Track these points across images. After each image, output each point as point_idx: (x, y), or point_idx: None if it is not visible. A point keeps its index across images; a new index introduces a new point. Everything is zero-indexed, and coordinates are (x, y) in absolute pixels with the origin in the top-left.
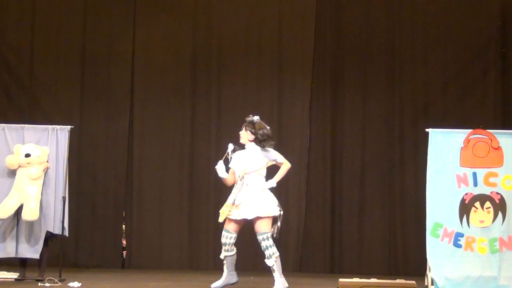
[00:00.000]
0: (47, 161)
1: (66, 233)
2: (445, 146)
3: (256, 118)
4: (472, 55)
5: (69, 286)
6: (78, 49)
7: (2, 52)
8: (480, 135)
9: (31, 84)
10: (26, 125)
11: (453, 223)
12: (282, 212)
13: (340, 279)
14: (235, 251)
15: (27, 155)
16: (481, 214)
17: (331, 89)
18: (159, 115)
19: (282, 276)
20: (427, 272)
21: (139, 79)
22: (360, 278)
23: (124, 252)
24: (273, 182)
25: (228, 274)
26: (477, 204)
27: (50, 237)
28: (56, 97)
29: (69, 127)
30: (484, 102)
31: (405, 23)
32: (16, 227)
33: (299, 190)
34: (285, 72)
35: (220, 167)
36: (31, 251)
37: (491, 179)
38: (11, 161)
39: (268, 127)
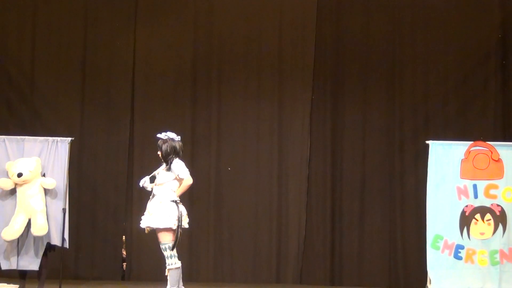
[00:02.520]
0: (42, 172)
1: (67, 245)
2: (445, 158)
3: (162, 135)
4: (473, 67)
5: None
6: (79, 61)
7: (3, 64)
8: (480, 147)
9: (32, 96)
10: (26, 137)
11: (453, 235)
12: (180, 226)
13: None
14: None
15: (19, 175)
16: (481, 226)
17: (331, 101)
18: (160, 127)
19: (174, 287)
20: (428, 284)
21: (139, 90)
22: None
23: (124, 264)
24: (174, 196)
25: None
26: (478, 216)
27: (50, 249)
28: (56, 109)
29: (69, 139)
30: (484, 114)
31: (405, 34)
32: (18, 239)
33: (299, 201)
34: (285, 84)
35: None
36: (31, 263)
37: (492, 191)
38: (4, 184)
39: (176, 140)
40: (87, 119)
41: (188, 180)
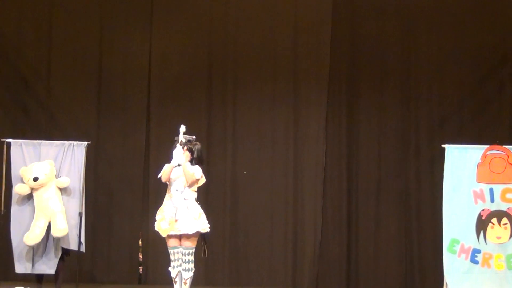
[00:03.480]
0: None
1: (83, 249)
2: (461, 162)
3: (190, 137)
4: (488, 71)
5: None
6: (95, 65)
7: (20, 68)
8: (497, 151)
9: (48, 100)
10: (43, 141)
11: (470, 239)
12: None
13: None
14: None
15: (36, 179)
16: (498, 230)
17: (346, 105)
18: (175, 131)
19: None
20: None
21: (155, 95)
22: None
23: (141, 268)
24: (195, 194)
25: None
26: (494, 220)
27: (66, 253)
28: (73, 113)
29: (85, 143)
30: (500, 117)
31: (420, 38)
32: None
33: (315, 205)
34: (300, 88)
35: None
36: (47, 267)
37: (508, 195)
38: (21, 189)
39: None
40: (103, 123)
41: (195, 180)
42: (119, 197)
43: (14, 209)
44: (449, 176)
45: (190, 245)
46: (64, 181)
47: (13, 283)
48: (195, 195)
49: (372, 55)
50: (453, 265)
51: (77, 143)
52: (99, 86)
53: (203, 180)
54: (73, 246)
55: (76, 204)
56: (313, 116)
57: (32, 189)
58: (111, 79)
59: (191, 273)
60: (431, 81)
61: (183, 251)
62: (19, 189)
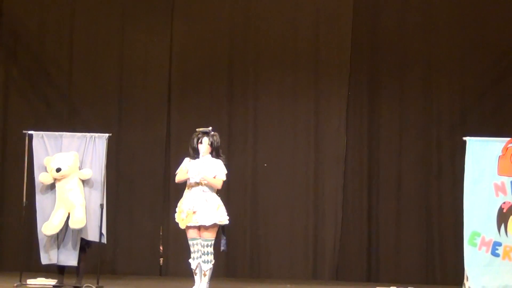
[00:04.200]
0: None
1: (104, 240)
2: (482, 154)
3: (209, 129)
4: (510, 63)
5: None
6: (116, 58)
7: (42, 61)
8: None
9: (70, 92)
10: (64, 133)
11: (490, 232)
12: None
13: None
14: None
15: (58, 170)
16: None
17: (367, 97)
18: (196, 124)
19: (209, 282)
20: (465, 281)
21: (176, 87)
22: (397, 286)
23: (161, 259)
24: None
25: (202, 283)
26: None
27: (87, 244)
28: (94, 105)
29: (107, 135)
30: None
31: (441, 30)
32: (57, 234)
33: (336, 198)
34: (321, 81)
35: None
36: (70, 259)
37: None
38: (44, 178)
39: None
40: (124, 115)
41: (220, 183)
42: (140, 189)
43: (39, 199)
44: (470, 169)
45: (209, 237)
46: (87, 173)
47: (35, 274)
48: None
49: (393, 47)
50: (473, 258)
51: (98, 135)
52: (120, 78)
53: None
54: (95, 237)
55: (97, 196)
56: (334, 108)
57: (55, 179)
58: (132, 71)
59: (210, 265)
60: (453, 73)
61: (202, 242)
62: (42, 178)
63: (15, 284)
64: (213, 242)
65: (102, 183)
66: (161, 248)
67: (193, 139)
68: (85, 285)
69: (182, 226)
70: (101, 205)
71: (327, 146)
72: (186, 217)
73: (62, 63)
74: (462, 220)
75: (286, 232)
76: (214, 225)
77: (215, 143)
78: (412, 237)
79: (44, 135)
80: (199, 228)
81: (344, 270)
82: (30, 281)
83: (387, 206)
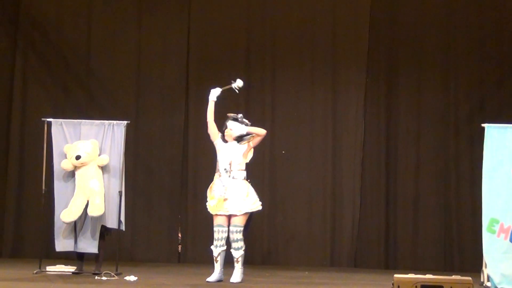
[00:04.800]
0: (100, 154)
1: (123, 227)
2: (501, 141)
3: (238, 116)
4: None
5: (125, 279)
6: (134, 45)
7: (60, 49)
8: None
9: (88, 80)
10: (83, 120)
11: (509, 219)
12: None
13: (395, 275)
14: (226, 247)
15: (78, 157)
16: None
17: (385, 84)
18: (214, 111)
19: (243, 268)
20: (483, 268)
21: (194, 74)
22: (415, 274)
23: (180, 246)
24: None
25: (220, 271)
26: None
27: (106, 232)
28: (112, 92)
29: (125, 122)
30: None
31: (460, 17)
32: (76, 222)
33: (354, 185)
34: (339, 67)
35: (215, 92)
36: (90, 246)
37: None
38: (66, 165)
39: (246, 122)
40: (142, 102)
41: (250, 155)
42: (158, 176)
43: (57, 186)
44: (488, 156)
45: (239, 224)
46: (104, 159)
47: (54, 261)
48: (243, 174)
49: (411, 34)
50: (492, 245)
51: (116, 123)
52: (138, 66)
53: (251, 155)
54: (113, 224)
55: (116, 183)
56: (352, 96)
57: (75, 167)
58: (150, 59)
59: (241, 251)
60: (471, 60)
61: (232, 229)
62: (64, 165)
63: (35, 271)
64: (242, 228)
65: (121, 171)
66: (179, 235)
67: (224, 123)
68: (104, 272)
69: (212, 212)
70: (120, 193)
71: (345, 134)
72: (217, 203)
73: (80, 51)
74: (480, 207)
75: (304, 220)
76: (245, 213)
77: (237, 124)
78: (430, 224)
79: (62, 123)
80: (228, 216)
81: (362, 258)
82: (49, 268)
83: (405, 193)
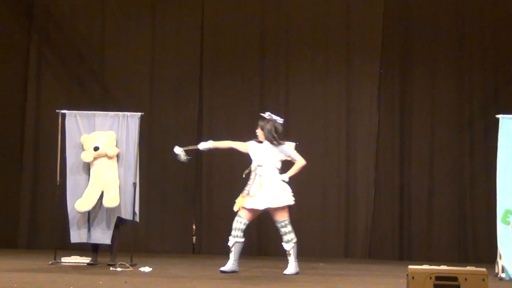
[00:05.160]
0: (117, 146)
1: (137, 219)
2: None
3: (266, 114)
4: None
5: (140, 271)
6: (148, 37)
7: (74, 41)
8: None
9: (102, 72)
10: (97, 112)
11: None
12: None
13: (410, 266)
14: (243, 239)
15: (96, 149)
16: None
17: (399, 75)
18: (228, 102)
19: (297, 261)
20: (498, 259)
21: (207, 65)
22: (430, 265)
23: (194, 238)
24: (285, 177)
25: (232, 262)
26: None
27: (121, 223)
28: (126, 84)
29: (139, 114)
30: None
31: (474, 7)
32: (90, 213)
33: (368, 176)
34: (353, 59)
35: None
36: (103, 237)
37: None
38: (85, 156)
39: (278, 122)
40: (156, 94)
41: (302, 162)
42: (172, 168)
43: (70, 177)
44: (503, 147)
45: (280, 218)
46: (111, 152)
47: (69, 252)
48: (274, 170)
49: (425, 26)
50: (507, 236)
51: (131, 114)
52: (152, 57)
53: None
54: (128, 216)
55: (130, 175)
56: (366, 86)
57: (93, 158)
58: (164, 50)
59: (291, 244)
60: (485, 50)
61: (277, 226)
62: (84, 157)
63: (50, 262)
64: (286, 221)
65: (135, 162)
66: (194, 226)
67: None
68: (119, 263)
69: (235, 207)
70: (134, 184)
71: (359, 124)
72: (243, 200)
73: (93, 43)
74: (495, 198)
75: (318, 211)
76: (272, 208)
77: (266, 128)
78: (444, 215)
79: (77, 114)
80: (253, 211)
81: (377, 249)
82: (64, 259)
83: (419, 184)
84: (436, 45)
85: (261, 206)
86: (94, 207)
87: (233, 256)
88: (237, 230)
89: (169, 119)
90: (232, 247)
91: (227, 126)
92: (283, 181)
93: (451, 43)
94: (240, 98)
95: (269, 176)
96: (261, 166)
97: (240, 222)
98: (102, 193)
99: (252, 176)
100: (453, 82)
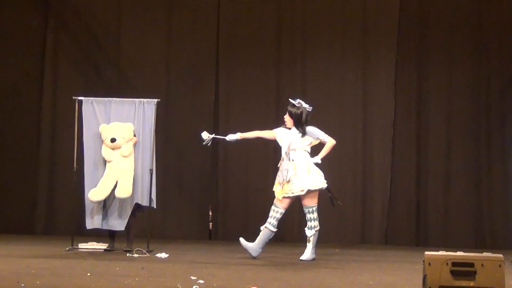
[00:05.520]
0: (134, 136)
1: (154, 205)
2: None
3: (296, 102)
4: None
5: (156, 257)
6: (164, 24)
7: (91, 28)
8: None
9: (119, 58)
10: (114, 98)
11: None
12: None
13: (426, 252)
14: (275, 230)
15: (113, 140)
16: None
17: (416, 62)
18: (244, 88)
19: (314, 248)
20: None
21: (224, 52)
22: (446, 251)
23: (211, 224)
24: (317, 159)
25: (255, 246)
26: None
27: (138, 209)
28: (143, 71)
29: (155, 100)
30: None
31: None
32: (106, 199)
33: (384, 163)
34: (369, 45)
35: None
36: (118, 224)
37: None
38: (107, 155)
39: (305, 108)
40: (173, 80)
41: (331, 141)
42: (189, 154)
43: (88, 166)
44: None
45: (309, 204)
46: (124, 150)
47: (86, 238)
48: (305, 154)
49: (442, 11)
50: None
51: (147, 101)
52: (168, 43)
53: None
54: (145, 202)
55: (147, 161)
56: (382, 73)
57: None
58: (180, 36)
59: (313, 231)
60: (503, 36)
61: (304, 211)
62: (105, 155)
63: (67, 248)
64: (314, 208)
65: (152, 149)
66: (210, 212)
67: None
68: (136, 249)
69: (278, 196)
70: (151, 170)
71: (376, 111)
72: (282, 188)
73: (110, 29)
74: (511, 185)
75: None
76: (309, 191)
77: (294, 113)
78: (461, 201)
79: (93, 101)
80: (293, 199)
81: (393, 235)
82: (81, 245)
83: (436, 170)
84: (453, 32)
85: (299, 191)
86: (109, 196)
87: (256, 241)
88: (272, 218)
89: (185, 105)
90: (260, 232)
91: (243, 113)
92: (316, 163)
93: (468, 30)
94: (256, 85)
95: (302, 160)
96: (294, 150)
97: (276, 212)
98: (116, 183)
99: (285, 161)
100: (470, 69)
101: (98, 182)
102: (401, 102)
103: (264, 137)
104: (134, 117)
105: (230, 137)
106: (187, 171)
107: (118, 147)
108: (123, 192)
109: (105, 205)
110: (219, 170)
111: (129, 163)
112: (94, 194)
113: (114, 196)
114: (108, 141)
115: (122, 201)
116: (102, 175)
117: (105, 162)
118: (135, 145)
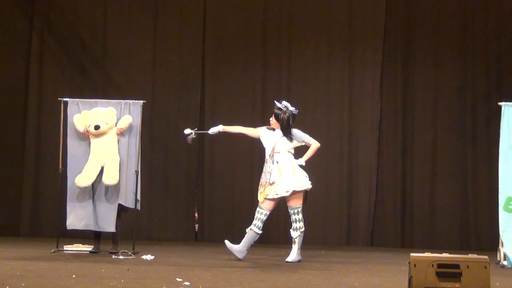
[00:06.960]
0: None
1: (139, 207)
2: None
3: (282, 105)
4: None
5: (142, 258)
6: (150, 25)
7: (77, 29)
8: None
9: (105, 59)
10: (99, 100)
11: None
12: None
13: (412, 254)
14: (261, 232)
15: (97, 127)
16: None
17: (402, 63)
18: (230, 89)
19: (300, 249)
20: (500, 247)
21: (210, 53)
22: (432, 252)
23: (196, 226)
24: (302, 161)
25: (241, 248)
26: None
27: (122, 210)
28: (128, 72)
29: (141, 101)
30: None
31: None
32: (92, 200)
33: (370, 164)
34: (355, 46)
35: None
36: (108, 225)
37: None
38: (78, 122)
39: (291, 111)
40: (159, 81)
41: (316, 144)
42: (175, 155)
43: (70, 157)
44: (505, 134)
45: (294, 205)
46: (111, 141)
47: (72, 240)
48: (289, 155)
49: (428, 12)
50: (509, 224)
51: (133, 102)
52: (154, 45)
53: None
54: (130, 204)
55: (132, 162)
56: (368, 74)
57: (93, 135)
58: (166, 38)
59: (298, 232)
60: (488, 37)
61: (289, 212)
62: (77, 121)
63: (52, 250)
64: (299, 209)
65: (137, 150)
66: (196, 214)
67: (274, 112)
68: (121, 251)
69: (260, 199)
70: (136, 172)
71: (361, 112)
72: (264, 190)
73: (96, 31)
74: (497, 186)
75: (320, 198)
76: (294, 192)
77: (281, 118)
78: (446, 203)
79: (79, 102)
80: (277, 200)
81: (378, 236)
82: (66, 247)
83: (421, 171)
84: (439, 32)
85: (284, 192)
86: (94, 193)
87: (241, 243)
88: (257, 220)
89: (171, 106)
90: (246, 234)
91: (229, 114)
92: (300, 165)
93: (454, 31)
94: (242, 85)
95: (286, 162)
96: (278, 152)
97: (261, 214)
98: (102, 168)
99: (268, 164)
100: (456, 70)
101: (80, 169)
102: (387, 102)
103: (247, 134)
104: (120, 119)
105: (213, 129)
106: (173, 172)
107: (103, 134)
108: (110, 179)
109: (94, 205)
110: (205, 171)
111: (114, 149)
112: (81, 179)
113: (98, 186)
114: (92, 128)
115: (107, 200)
116: (85, 161)
117: (89, 148)
118: (119, 141)
